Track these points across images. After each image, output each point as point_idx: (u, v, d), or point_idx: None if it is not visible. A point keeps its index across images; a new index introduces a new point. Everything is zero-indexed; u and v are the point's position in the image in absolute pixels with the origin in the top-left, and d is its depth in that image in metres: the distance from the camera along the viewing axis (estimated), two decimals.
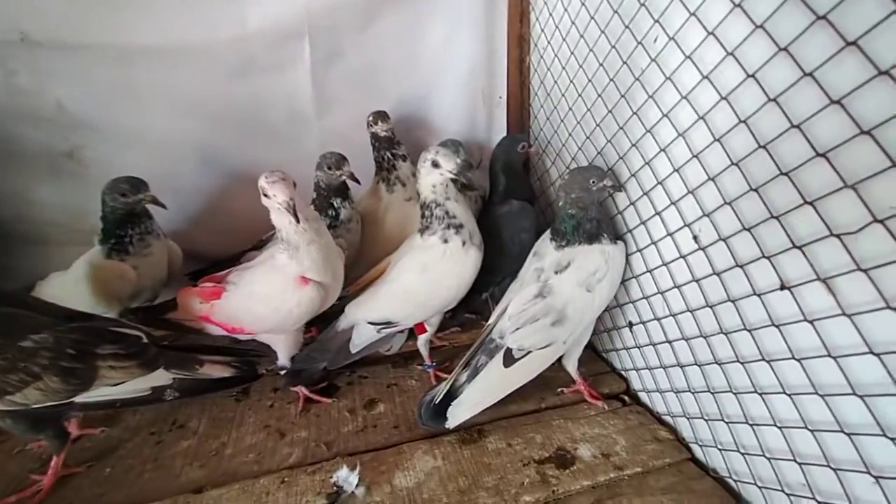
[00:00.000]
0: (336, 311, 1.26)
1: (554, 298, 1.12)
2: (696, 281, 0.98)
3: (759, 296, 0.84)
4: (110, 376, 0.93)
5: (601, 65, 1.18)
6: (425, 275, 1.19)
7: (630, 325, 1.25)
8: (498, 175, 1.42)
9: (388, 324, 1.23)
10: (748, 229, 0.84)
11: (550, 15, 1.38)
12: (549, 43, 1.42)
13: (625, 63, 1.09)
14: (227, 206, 1.51)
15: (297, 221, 1.01)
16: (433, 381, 1.33)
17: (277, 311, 1.12)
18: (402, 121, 1.61)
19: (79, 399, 0.92)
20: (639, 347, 1.22)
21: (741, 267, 0.87)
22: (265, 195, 1.01)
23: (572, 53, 1.30)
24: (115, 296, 1.20)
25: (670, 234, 1.04)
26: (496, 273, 1.37)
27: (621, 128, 1.14)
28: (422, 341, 1.33)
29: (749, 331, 0.87)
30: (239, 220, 1.52)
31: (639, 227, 1.14)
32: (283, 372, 1.25)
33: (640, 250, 1.15)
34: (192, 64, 1.35)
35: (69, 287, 1.21)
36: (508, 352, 1.10)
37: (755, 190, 0.82)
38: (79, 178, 1.39)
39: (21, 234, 1.40)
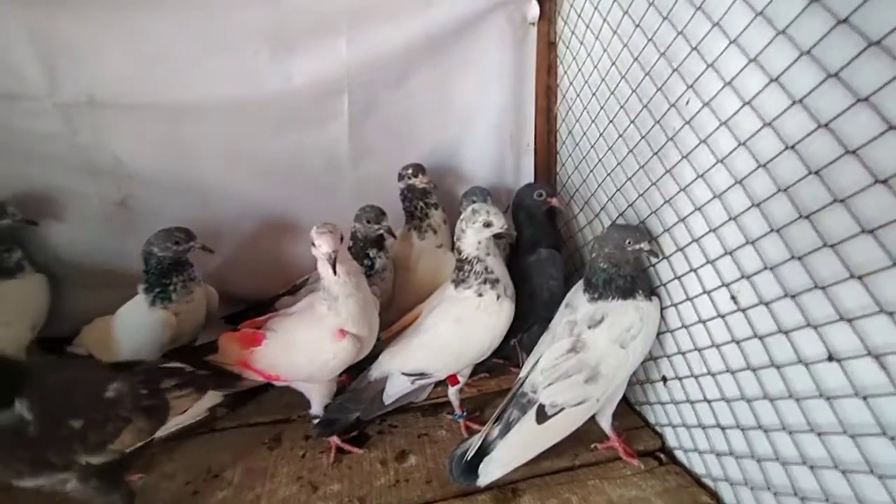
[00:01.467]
0: (370, 356, 1.28)
1: (587, 354, 1.11)
2: (737, 342, 0.97)
3: (805, 365, 0.82)
4: (178, 405, 1.01)
5: (632, 122, 1.21)
6: (460, 327, 1.20)
7: (664, 379, 1.23)
8: (521, 223, 1.44)
9: (421, 375, 1.24)
10: (791, 297, 0.83)
11: (580, 70, 1.43)
12: (577, 96, 1.46)
13: (657, 123, 1.11)
14: (264, 252, 1.57)
15: (335, 273, 1.04)
16: (464, 433, 1.33)
17: (313, 361, 1.14)
18: (433, 169, 1.64)
19: (158, 434, 0.99)
20: (675, 403, 1.20)
21: (785, 333, 0.86)
22: (313, 244, 1.05)
23: (602, 108, 1.33)
24: (158, 342, 1.25)
25: (707, 293, 1.03)
26: (525, 320, 1.37)
27: (654, 184, 1.16)
28: (453, 392, 1.33)
29: (796, 400, 0.85)
30: (275, 265, 1.58)
31: (673, 281, 1.14)
32: (315, 420, 1.27)
33: (675, 305, 1.14)
34: (238, 119, 1.43)
35: (114, 333, 1.26)
36: (541, 408, 1.09)
37: (798, 258, 0.81)
38: (127, 225, 1.46)
39: (71, 278, 1.48)
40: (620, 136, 1.26)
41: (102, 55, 1.27)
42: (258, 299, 1.55)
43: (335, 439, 1.27)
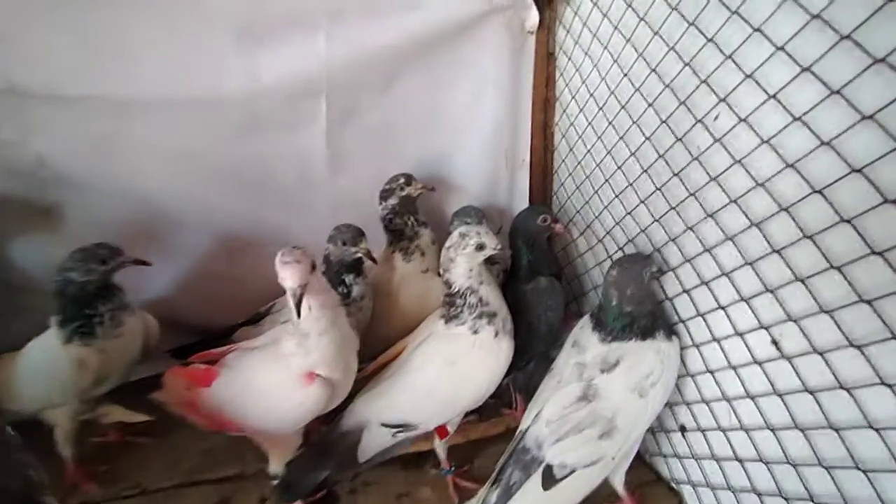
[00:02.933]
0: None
1: (601, 404, 0.95)
2: (780, 395, 0.83)
3: (876, 430, 0.69)
4: None
5: (648, 139, 1.09)
6: (451, 370, 1.02)
7: (683, 429, 1.08)
8: (520, 248, 1.28)
9: (404, 426, 1.04)
10: (858, 347, 0.70)
11: (584, 82, 1.31)
12: (581, 110, 1.34)
13: (679, 140, 0.99)
14: (222, 274, 1.35)
15: (298, 315, 0.85)
16: (451, 493, 1.13)
17: (275, 409, 0.94)
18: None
19: None
20: (696, 458, 1.04)
21: (846, 390, 0.72)
22: (280, 276, 0.86)
23: (610, 124, 1.21)
24: (73, 388, 1.01)
25: (740, 334, 0.90)
26: (521, 355, 1.21)
27: (673, 208, 1.03)
28: (440, 444, 1.14)
29: (864, 471, 0.71)
30: (234, 289, 1.35)
31: (695, 319, 1.00)
32: (274, 482, 1.04)
33: (697, 346, 1.01)
34: (196, 119, 1.23)
35: (18, 376, 1.01)
36: (548, 469, 0.92)
37: (867, 302, 0.68)
38: (56, 237, 1.22)
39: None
40: (633, 154, 1.14)
41: (34, 37, 1.06)
42: (213, 330, 1.32)
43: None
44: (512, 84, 1.47)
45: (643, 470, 1.18)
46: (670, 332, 1.03)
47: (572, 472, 0.91)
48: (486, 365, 1.03)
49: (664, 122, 1.03)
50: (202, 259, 1.34)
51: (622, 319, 0.99)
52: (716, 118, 0.91)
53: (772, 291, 0.83)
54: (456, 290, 1.02)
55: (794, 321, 0.79)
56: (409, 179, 1.28)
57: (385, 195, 1.28)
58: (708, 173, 0.93)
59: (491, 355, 1.02)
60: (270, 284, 1.22)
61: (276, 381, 0.92)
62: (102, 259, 1.02)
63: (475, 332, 1.02)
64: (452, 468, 1.15)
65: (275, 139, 1.31)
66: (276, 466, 1.04)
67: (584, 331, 1.07)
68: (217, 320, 1.33)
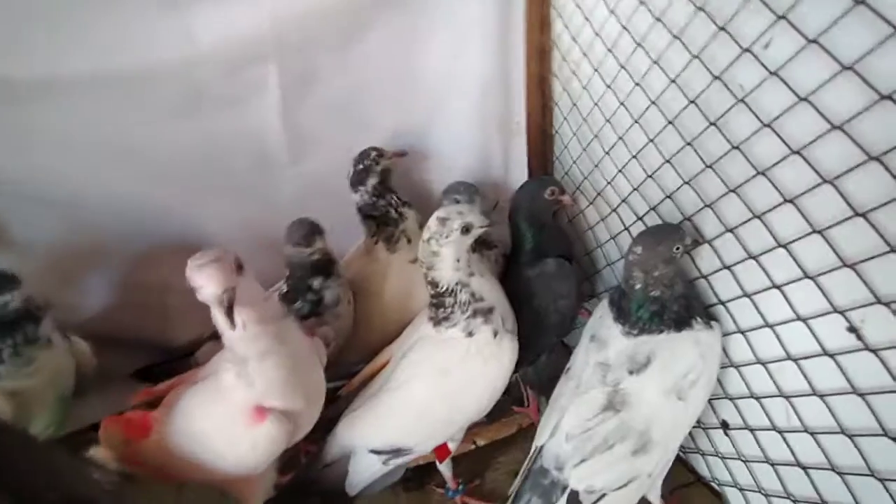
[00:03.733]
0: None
1: (631, 414, 0.79)
2: (862, 395, 0.66)
3: None
4: None
5: (673, 81, 0.87)
6: (445, 382, 0.86)
7: (725, 425, 0.92)
8: (522, 228, 1.10)
9: (397, 452, 0.89)
10: None
11: (587, 20, 1.08)
12: (584, 55, 1.11)
13: (717, 78, 0.78)
14: (171, 282, 1.15)
15: (232, 326, 0.67)
16: None
17: (224, 456, 0.78)
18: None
19: None
20: (743, 460, 0.89)
21: None
22: (195, 288, 0.68)
23: (623, 67, 0.99)
24: None
25: (803, 319, 0.72)
26: (530, 350, 1.04)
27: (709, 166, 0.83)
28: (444, 466, 0.99)
29: None
30: (188, 297, 1.17)
31: (740, 300, 0.82)
32: None
33: (743, 332, 0.83)
34: (123, 97, 1.01)
35: None
36: (574, 496, 0.77)
37: None
38: None
39: None
40: (653, 102, 0.93)
41: None
42: (173, 347, 1.15)
43: None
44: (500, 31, 1.23)
45: (680, 469, 1.03)
46: (708, 317, 0.85)
47: (602, 496, 0.76)
48: (486, 372, 0.87)
49: (696, 56, 0.81)
50: (145, 267, 1.14)
51: (650, 307, 0.82)
52: (767, 45, 0.70)
53: (851, 267, 0.64)
54: (444, 288, 0.84)
55: (885, 304, 0.61)
56: (380, 151, 1.09)
57: (360, 177, 1.08)
58: (759, 118, 0.72)
59: (491, 360, 0.86)
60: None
61: (219, 422, 0.76)
62: None
63: (470, 333, 0.85)
64: (461, 487, 1.01)
65: (219, 118, 1.09)
66: None
67: (603, 321, 0.90)
68: (173, 335, 1.15)
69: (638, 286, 0.82)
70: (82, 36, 0.95)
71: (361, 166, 1.08)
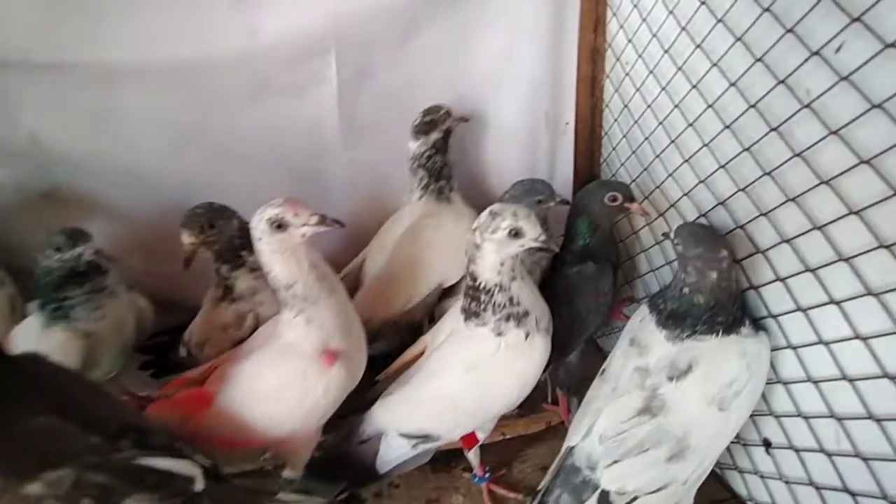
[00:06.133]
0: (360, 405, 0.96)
1: (669, 419, 0.78)
2: None
3: None
4: None
5: (733, 84, 0.85)
6: (473, 376, 0.87)
7: (767, 444, 0.89)
8: (577, 230, 1.08)
9: (425, 437, 0.92)
10: None
11: (644, 21, 1.06)
12: (640, 56, 1.10)
13: (781, 82, 0.76)
14: None
15: (335, 223, 0.79)
16: (486, 500, 1.01)
17: (299, 406, 0.83)
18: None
19: None
20: (786, 482, 0.86)
21: None
22: (281, 226, 0.76)
23: (680, 69, 0.97)
24: None
25: (863, 338, 0.69)
26: (563, 349, 1.05)
27: (768, 173, 0.81)
28: (472, 453, 1.01)
29: None
30: None
31: (793, 314, 0.79)
32: (288, 485, 0.95)
33: (794, 347, 0.80)
34: (191, 86, 1.09)
35: None
36: (604, 496, 0.77)
37: None
38: (61, 224, 1.14)
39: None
40: (710, 106, 0.91)
41: None
42: None
43: None
44: (553, 31, 1.24)
45: (713, 485, 1.00)
46: (756, 327, 0.83)
47: (634, 499, 0.76)
48: (516, 369, 0.87)
49: (759, 59, 0.79)
50: None
51: (698, 311, 0.80)
52: (838, 49, 0.67)
53: None
54: (480, 284, 0.83)
55: None
56: (448, 110, 1.13)
57: (427, 127, 1.12)
58: (826, 125, 0.69)
59: (521, 358, 0.86)
60: None
61: (292, 375, 0.82)
62: (57, 247, 0.94)
63: (499, 333, 0.85)
64: (487, 474, 1.03)
65: (280, 106, 1.15)
66: (294, 472, 0.93)
67: (644, 325, 0.89)
68: None
69: (687, 290, 0.81)
70: (161, 27, 1.03)
71: (430, 118, 1.12)
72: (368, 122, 1.22)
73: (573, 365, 1.14)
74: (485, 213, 0.82)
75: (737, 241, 0.88)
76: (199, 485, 0.69)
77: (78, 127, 1.08)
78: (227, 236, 0.98)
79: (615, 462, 0.77)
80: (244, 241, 0.95)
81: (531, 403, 1.18)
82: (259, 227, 0.77)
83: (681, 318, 0.82)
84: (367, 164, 1.25)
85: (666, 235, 0.88)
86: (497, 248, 0.80)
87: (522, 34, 1.22)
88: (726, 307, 0.79)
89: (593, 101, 1.32)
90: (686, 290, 0.82)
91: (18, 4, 0.96)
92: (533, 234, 0.79)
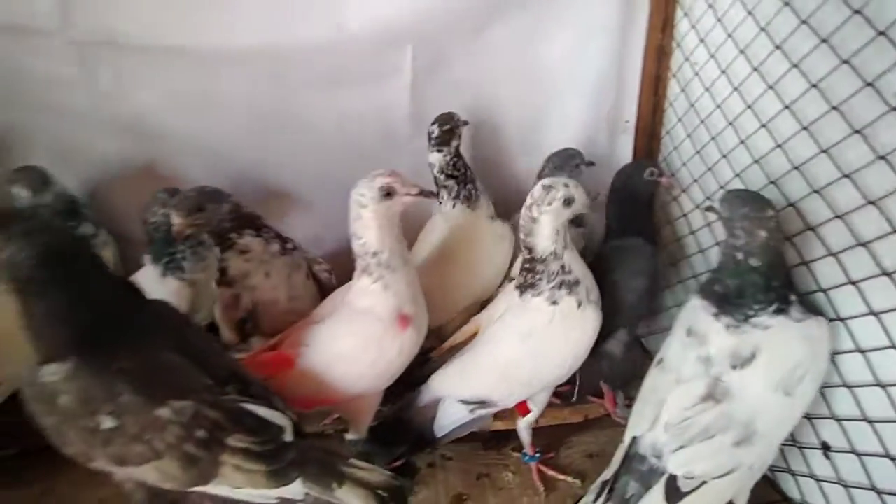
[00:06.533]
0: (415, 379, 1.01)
1: (734, 406, 0.80)
2: None
3: None
4: (232, 478, 0.71)
5: (814, 86, 0.85)
6: (528, 344, 0.92)
7: (826, 447, 0.89)
8: (614, 206, 1.15)
9: (482, 403, 0.97)
10: None
11: (719, 20, 1.08)
12: (712, 56, 1.11)
13: (869, 85, 0.76)
14: (296, 233, 1.27)
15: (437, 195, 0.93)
16: (536, 482, 1.04)
17: (375, 366, 0.90)
18: (507, 145, 1.37)
19: (197, 490, 0.73)
20: (845, 486, 0.85)
21: None
22: (388, 194, 0.84)
23: (756, 70, 0.98)
24: None
25: None
26: (604, 326, 1.05)
27: (847, 176, 0.81)
28: (524, 424, 1.05)
29: None
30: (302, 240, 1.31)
31: (866, 317, 0.79)
32: (352, 447, 1.01)
33: (862, 351, 0.80)
34: (279, 72, 1.17)
35: None
36: (672, 481, 0.79)
37: None
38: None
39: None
40: (787, 107, 0.92)
41: None
42: None
43: None
44: (622, 30, 1.26)
45: (764, 486, 0.99)
46: (816, 311, 0.83)
47: (702, 483, 0.78)
48: (570, 338, 0.92)
49: (845, 61, 0.80)
50: (282, 214, 1.30)
51: (755, 279, 0.81)
52: None
53: None
54: (539, 255, 0.90)
55: None
56: (458, 115, 1.16)
57: (446, 138, 1.14)
58: None
59: (575, 327, 0.92)
60: (339, 244, 1.14)
61: (370, 335, 0.88)
62: (163, 203, 1.07)
63: (554, 302, 0.91)
64: (537, 454, 1.07)
65: (357, 94, 1.23)
66: (358, 433, 1.00)
67: (698, 315, 0.90)
68: None
69: (747, 274, 0.81)
70: (257, 16, 1.11)
71: (448, 127, 1.13)
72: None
73: (616, 358, 1.14)
74: (538, 189, 0.88)
75: (807, 242, 0.89)
76: (289, 436, 0.76)
77: (176, 107, 1.18)
78: (216, 220, 1.00)
79: (681, 448, 0.79)
80: (234, 224, 1.01)
81: (576, 396, 1.21)
82: (368, 194, 0.84)
83: (737, 296, 0.83)
84: None
85: (710, 208, 0.90)
86: (554, 218, 0.87)
87: (592, 32, 1.26)
88: (778, 272, 0.80)
89: (655, 100, 1.34)
90: (739, 255, 0.82)
91: None
92: (582, 200, 0.88)
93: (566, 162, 1.18)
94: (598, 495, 0.84)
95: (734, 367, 0.82)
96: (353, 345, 0.89)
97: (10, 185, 1.09)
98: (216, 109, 1.19)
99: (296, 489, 0.73)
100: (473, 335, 1.04)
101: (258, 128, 1.22)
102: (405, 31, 1.17)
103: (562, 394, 1.22)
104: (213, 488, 0.73)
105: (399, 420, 1.00)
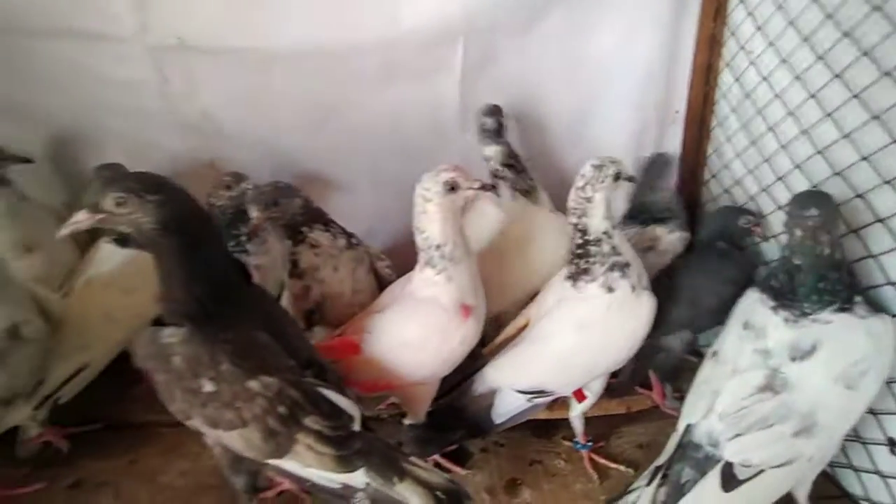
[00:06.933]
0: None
1: (793, 396, 0.80)
2: None
3: None
4: (303, 456, 0.75)
5: (888, 74, 0.83)
6: (585, 334, 0.94)
7: (893, 444, 0.88)
8: (704, 241, 1.16)
9: (540, 392, 0.99)
10: None
11: (780, 7, 1.05)
12: (771, 44, 1.09)
13: None
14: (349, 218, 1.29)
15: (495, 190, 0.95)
16: (589, 469, 1.07)
17: (438, 354, 0.93)
18: (555, 139, 1.37)
19: (272, 462, 0.78)
20: None
21: None
22: (453, 188, 0.86)
23: (821, 58, 0.96)
24: None
25: None
26: (663, 324, 1.04)
27: None
28: (577, 412, 1.06)
29: None
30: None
31: None
32: (410, 432, 1.06)
33: None
34: (334, 70, 1.21)
35: None
36: (728, 468, 0.80)
37: None
38: None
39: None
40: (855, 95, 0.89)
41: None
42: None
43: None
44: (672, 20, 1.25)
45: (823, 482, 0.97)
46: (881, 309, 0.82)
47: (760, 472, 0.79)
48: (626, 326, 0.94)
49: None
50: (335, 207, 1.30)
51: (819, 289, 0.82)
52: None
53: None
54: (592, 236, 0.91)
55: None
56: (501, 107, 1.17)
57: (498, 130, 1.15)
58: None
59: (631, 316, 0.93)
60: (391, 236, 1.21)
61: (433, 324, 0.91)
62: (227, 185, 1.12)
63: (609, 289, 0.92)
64: (590, 443, 1.09)
65: (409, 89, 1.26)
66: (416, 418, 1.04)
67: (755, 308, 0.90)
68: None
69: (787, 247, 0.83)
70: (315, 16, 1.15)
71: (497, 118, 1.14)
72: None
73: (673, 353, 1.15)
74: (588, 169, 0.91)
75: (875, 234, 0.87)
76: (357, 425, 0.79)
77: (238, 105, 1.24)
78: (289, 213, 1.04)
79: (737, 435, 0.80)
80: (305, 218, 1.05)
81: (624, 388, 1.20)
82: (434, 188, 0.86)
83: (790, 291, 0.84)
84: (477, 149, 1.32)
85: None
86: (607, 194, 0.90)
87: (642, 22, 1.25)
88: (825, 271, 0.80)
89: (706, 90, 1.32)
90: (786, 252, 0.85)
91: None
92: (627, 171, 0.92)
93: (655, 166, 1.22)
94: (651, 480, 0.86)
95: (793, 360, 0.82)
96: (418, 333, 0.93)
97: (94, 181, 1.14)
98: (273, 107, 1.24)
99: (359, 478, 0.76)
100: (523, 328, 1.06)
101: (313, 124, 1.27)
102: (456, 27, 1.19)
103: (608, 385, 1.24)
104: (285, 463, 0.78)
105: (455, 407, 1.04)
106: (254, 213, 1.01)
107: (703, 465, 0.82)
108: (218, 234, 0.81)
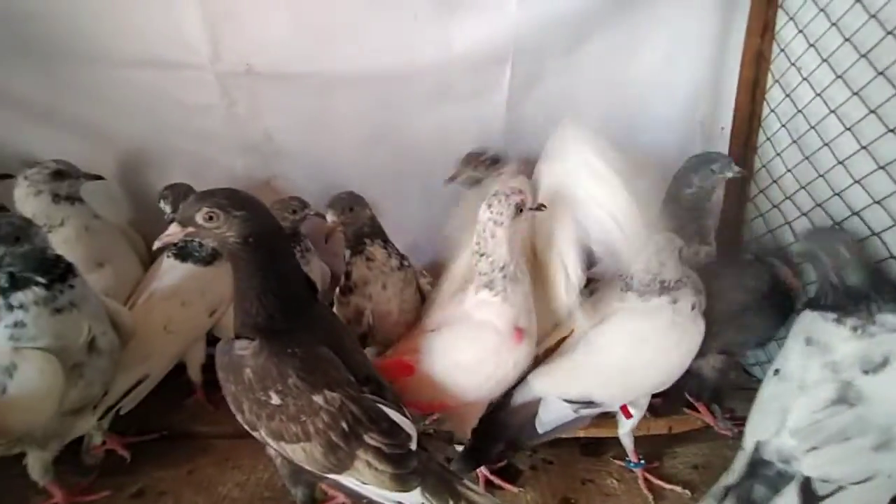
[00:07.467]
0: None
1: (869, 409, 0.79)
2: None
3: None
4: (362, 473, 0.76)
5: None
6: (644, 348, 0.95)
7: None
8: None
9: (589, 403, 0.99)
10: None
11: (833, 24, 1.05)
12: (824, 60, 1.08)
13: None
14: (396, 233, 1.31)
15: (543, 207, 0.92)
16: (643, 489, 1.04)
17: (492, 377, 0.93)
18: None
19: (330, 476, 0.79)
20: None
21: None
22: (521, 210, 0.88)
23: (881, 73, 0.95)
24: None
25: None
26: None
27: None
28: (626, 429, 1.05)
29: None
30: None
31: None
32: (459, 447, 1.06)
33: None
34: (390, 92, 1.27)
35: None
36: (807, 484, 0.78)
37: None
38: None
39: None
40: None
41: (262, 18, 1.17)
42: None
43: (483, 470, 1.05)
44: (718, 37, 1.27)
45: None
46: None
47: (840, 488, 0.77)
48: (681, 344, 0.95)
49: None
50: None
51: (888, 299, 0.82)
52: None
53: None
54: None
55: None
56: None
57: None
58: None
59: (687, 335, 0.94)
60: (433, 251, 1.24)
61: (487, 347, 0.92)
62: (293, 209, 1.18)
63: (674, 301, 0.94)
64: (642, 461, 1.07)
65: (457, 110, 1.30)
66: (463, 435, 1.04)
67: (817, 324, 0.89)
68: None
69: (867, 279, 0.85)
70: (373, 42, 1.21)
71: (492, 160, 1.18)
72: (529, 127, 1.32)
73: (706, 378, 1.12)
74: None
75: None
76: (413, 444, 0.79)
77: (298, 127, 1.30)
78: (359, 222, 1.07)
79: (814, 448, 0.78)
80: (370, 230, 1.08)
81: (670, 408, 1.19)
82: (506, 211, 0.87)
83: (867, 310, 0.84)
84: (523, 163, 1.35)
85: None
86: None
87: (688, 40, 1.27)
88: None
89: (752, 107, 1.32)
90: (867, 280, 0.87)
91: (276, 27, 1.18)
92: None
93: (701, 164, 1.19)
94: (722, 500, 0.84)
95: (865, 373, 0.80)
96: (472, 356, 0.93)
97: (160, 200, 1.19)
98: (331, 128, 1.30)
99: (415, 498, 0.75)
100: (565, 337, 1.05)
101: (367, 143, 1.32)
102: (505, 49, 1.23)
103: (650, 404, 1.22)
104: (344, 478, 0.78)
105: (495, 419, 1.03)
106: (330, 216, 1.04)
107: (776, 483, 0.80)
108: (292, 250, 0.84)
